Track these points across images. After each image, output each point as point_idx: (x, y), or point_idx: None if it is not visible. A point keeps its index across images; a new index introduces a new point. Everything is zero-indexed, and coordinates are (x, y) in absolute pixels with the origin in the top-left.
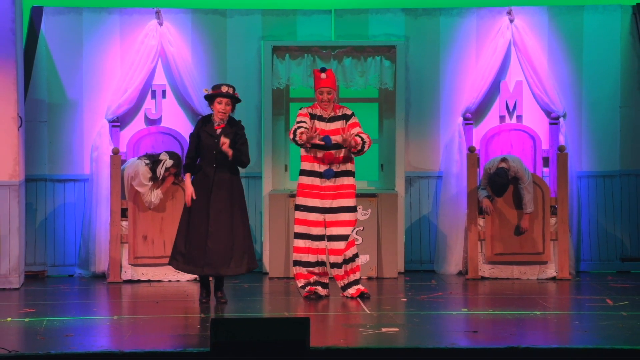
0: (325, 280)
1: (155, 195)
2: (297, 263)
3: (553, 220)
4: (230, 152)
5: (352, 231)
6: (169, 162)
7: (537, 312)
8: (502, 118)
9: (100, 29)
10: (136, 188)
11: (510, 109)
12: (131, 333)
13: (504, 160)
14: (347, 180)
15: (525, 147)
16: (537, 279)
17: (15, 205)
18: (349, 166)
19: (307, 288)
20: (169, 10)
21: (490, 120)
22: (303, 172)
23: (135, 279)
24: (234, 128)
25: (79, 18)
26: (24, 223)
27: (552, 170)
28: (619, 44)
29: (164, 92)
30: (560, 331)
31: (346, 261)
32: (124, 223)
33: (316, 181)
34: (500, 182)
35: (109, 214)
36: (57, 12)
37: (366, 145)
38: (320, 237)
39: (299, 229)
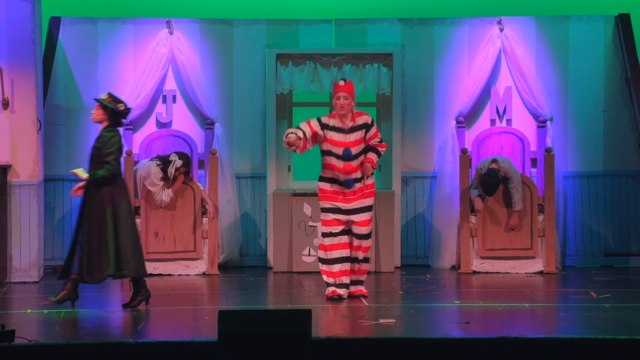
0: (347, 281)
1: (166, 194)
2: (321, 261)
3: (540, 217)
4: (84, 177)
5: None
6: (178, 163)
7: (526, 304)
8: (492, 121)
9: (115, 38)
10: (148, 187)
11: (501, 113)
12: (143, 324)
13: (494, 161)
14: (369, 180)
15: (515, 149)
16: (526, 273)
17: (35, 204)
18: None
19: (332, 290)
20: (179, 20)
21: (482, 124)
22: (323, 179)
23: (148, 272)
24: (96, 143)
25: (95, 28)
26: (43, 220)
27: (540, 171)
28: (602, 52)
29: (174, 97)
30: (547, 322)
31: (366, 259)
32: (137, 220)
33: (336, 187)
34: (491, 182)
35: None
36: (74, 22)
37: (381, 154)
38: (339, 234)
39: (325, 229)
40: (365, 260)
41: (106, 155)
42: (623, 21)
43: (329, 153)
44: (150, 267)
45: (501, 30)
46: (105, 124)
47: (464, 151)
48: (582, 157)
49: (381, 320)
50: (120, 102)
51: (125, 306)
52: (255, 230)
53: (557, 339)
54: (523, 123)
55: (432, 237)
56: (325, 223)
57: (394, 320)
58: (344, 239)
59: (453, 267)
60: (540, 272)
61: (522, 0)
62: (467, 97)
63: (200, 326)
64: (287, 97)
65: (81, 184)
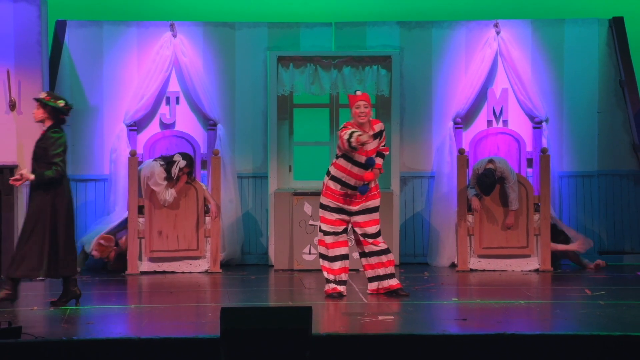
0: (346, 279)
1: (169, 194)
2: (322, 257)
3: (536, 216)
4: (31, 178)
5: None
6: (182, 163)
7: (522, 301)
8: (489, 122)
9: (119, 41)
10: (152, 187)
11: (497, 114)
12: (147, 321)
13: (491, 161)
14: (371, 184)
15: (511, 149)
16: (522, 270)
17: None
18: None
19: (332, 287)
20: (182, 23)
21: (479, 125)
22: (335, 179)
23: (151, 270)
24: (41, 142)
25: (100, 31)
26: None
27: (536, 171)
28: (596, 55)
29: (177, 98)
30: (543, 319)
31: (382, 252)
32: (141, 219)
33: (346, 190)
34: (488, 182)
35: (127, 210)
36: (79, 26)
37: (384, 157)
38: (340, 232)
39: (327, 227)
40: (386, 251)
41: (53, 157)
42: (617, 24)
43: (349, 159)
44: (154, 265)
45: (498, 33)
46: (48, 123)
47: (461, 151)
48: (577, 157)
49: (380, 317)
50: (60, 99)
51: (52, 304)
52: (256, 229)
53: (553, 335)
54: (519, 124)
55: (430, 236)
56: (329, 222)
57: (392, 317)
58: (344, 237)
59: (451, 265)
60: (536, 270)
61: (518, 3)
62: (465, 98)
63: (203, 323)
64: (288, 99)
65: (18, 175)
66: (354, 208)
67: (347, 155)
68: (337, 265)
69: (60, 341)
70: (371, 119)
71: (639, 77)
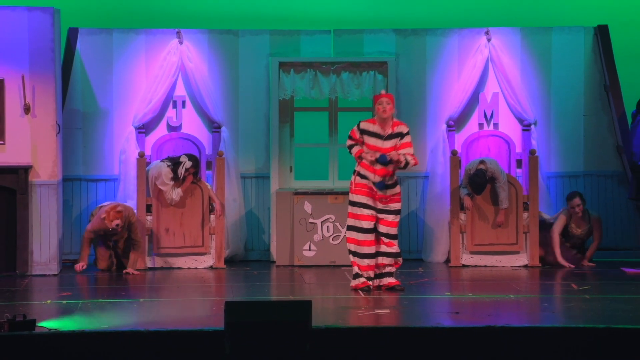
0: (372, 275)
1: (176, 193)
2: (352, 253)
3: (525, 215)
4: None
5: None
6: (188, 164)
7: (511, 295)
8: (480, 125)
9: (129, 48)
10: (159, 187)
11: (488, 117)
12: (155, 314)
13: (482, 162)
14: (396, 189)
15: (501, 151)
16: (511, 266)
17: (54, 202)
18: (395, 178)
19: (362, 281)
20: (188, 30)
21: (471, 127)
22: (359, 174)
23: (159, 266)
24: None
25: (110, 38)
26: (62, 217)
27: (525, 171)
28: (582, 61)
29: (183, 102)
30: (531, 312)
31: (396, 255)
32: (149, 218)
33: (369, 183)
34: (479, 182)
35: (136, 209)
36: (90, 33)
37: (409, 165)
38: (369, 231)
39: (350, 222)
40: (397, 255)
41: None
42: (602, 32)
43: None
44: (162, 261)
45: (488, 40)
46: None
47: (454, 153)
48: (564, 158)
49: (377, 311)
50: None
51: None
52: (259, 227)
53: (541, 327)
54: (509, 127)
55: (424, 233)
56: (359, 217)
57: (389, 311)
58: (372, 236)
59: (445, 261)
60: (525, 266)
61: (508, 12)
62: (457, 102)
63: (208, 316)
64: (289, 103)
65: None
66: (380, 205)
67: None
68: (365, 262)
69: (72, 333)
70: (395, 120)
71: (623, 83)
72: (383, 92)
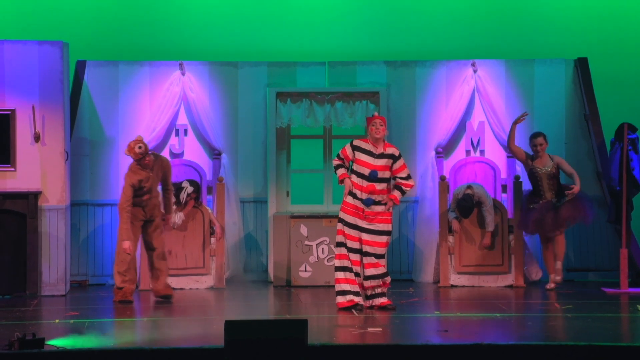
0: (359, 291)
1: (178, 217)
2: (339, 269)
3: (511, 237)
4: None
5: (386, 250)
6: (189, 189)
7: (497, 314)
8: (467, 152)
9: (134, 79)
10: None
11: (475, 144)
12: (159, 332)
13: (469, 187)
14: (385, 208)
15: (487, 177)
16: (497, 286)
17: (62, 226)
18: (385, 198)
19: (349, 298)
20: (190, 62)
21: (458, 154)
22: (350, 194)
23: None
24: None
25: (116, 70)
26: (70, 240)
27: (510, 196)
28: (563, 91)
29: (185, 130)
30: (516, 330)
31: (382, 275)
32: None
33: (358, 203)
34: (467, 206)
35: None
36: (97, 65)
37: (405, 194)
38: (354, 250)
39: (339, 238)
40: (384, 275)
41: None
42: (582, 64)
43: (356, 172)
44: None
45: (475, 71)
46: None
47: (442, 178)
48: None
49: (369, 329)
50: None
51: None
52: (257, 249)
53: (525, 345)
54: (494, 153)
55: (415, 255)
56: (341, 233)
57: (380, 329)
58: (358, 256)
59: (434, 281)
60: (510, 286)
61: (492, 45)
62: (445, 130)
63: (209, 334)
64: (286, 131)
65: None
66: (365, 224)
67: (355, 170)
68: (351, 275)
69: (80, 351)
70: (386, 142)
71: (602, 112)
72: (376, 113)
